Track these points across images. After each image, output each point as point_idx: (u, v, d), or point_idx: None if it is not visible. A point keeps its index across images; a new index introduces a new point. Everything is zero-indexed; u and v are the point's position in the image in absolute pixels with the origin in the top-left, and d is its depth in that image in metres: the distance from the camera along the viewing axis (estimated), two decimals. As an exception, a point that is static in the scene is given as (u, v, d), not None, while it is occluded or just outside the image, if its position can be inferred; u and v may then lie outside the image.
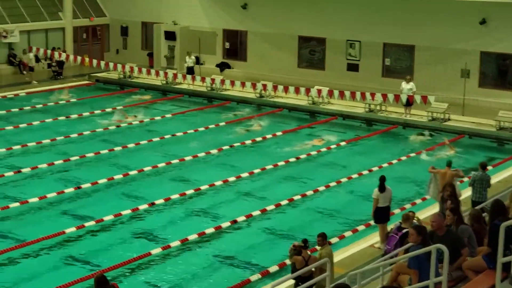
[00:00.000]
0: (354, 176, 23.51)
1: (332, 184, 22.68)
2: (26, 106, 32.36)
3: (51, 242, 17.85)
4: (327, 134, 28.86)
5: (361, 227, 19.07)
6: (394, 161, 25.25)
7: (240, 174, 23.48)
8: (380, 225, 17.49)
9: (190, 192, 21.70)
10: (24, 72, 38.45)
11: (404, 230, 14.85)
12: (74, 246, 17.92)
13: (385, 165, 24.62)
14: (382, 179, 17.74)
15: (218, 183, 22.54)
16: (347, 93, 30.95)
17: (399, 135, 29.38)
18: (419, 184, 22.89)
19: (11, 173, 22.95)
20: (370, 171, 23.85)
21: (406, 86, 30.10)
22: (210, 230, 18.71)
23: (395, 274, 11.26)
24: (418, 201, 21.10)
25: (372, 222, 18.35)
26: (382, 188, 17.54)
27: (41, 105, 32.59)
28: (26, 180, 22.78)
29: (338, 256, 16.48)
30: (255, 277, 16.07)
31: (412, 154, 26.17)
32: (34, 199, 20.57)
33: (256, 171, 23.83)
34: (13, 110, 31.50)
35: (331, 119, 31.31)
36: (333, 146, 27.12)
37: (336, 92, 31.35)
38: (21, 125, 28.99)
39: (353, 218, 20.01)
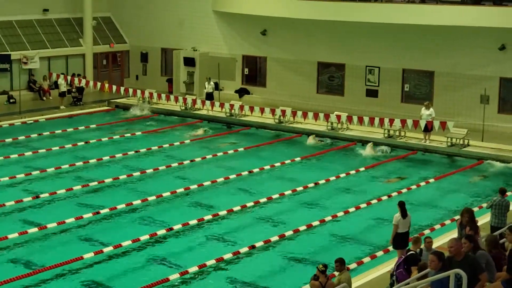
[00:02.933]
0: (373, 201, 23.39)
1: (351, 209, 22.56)
2: (46, 131, 32.57)
3: (69, 268, 17.83)
4: (347, 160, 28.81)
5: (379, 253, 18.92)
6: (413, 187, 25.10)
7: (258, 199, 23.43)
8: (399, 250, 17.35)
9: (208, 217, 21.66)
10: (44, 98, 38.80)
11: (410, 252, 14.77)
12: (92, 271, 17.88)
13: (404, 190, 24.48)
14: (402, 205, 17.64)
15: (236, 208, 22.50)
16: (366, 119, 30.90)
17: (418, 160, 29.23)
18: (438, 209, 22.76)
19: (29, 198, 23.04)
20: (389, 196, 23.73)
21: (426, 112, 30.01)
22: (228, 256, 18.64)
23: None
24: (437, 226, 20.94)
25: (391, 248, 18.23)
26: (403, 214, 17.45)
27: (60, 131, 32.78)
28: (45, 206, 22.84)
29: (357, 282, 16.34)
30: (272, 303, 15.97)
31: (431, 180, 26.01)
32: (53, 224, 20.59)
33: (275, 196, 23.77)
34: (32, 135, 31.72)
35: (350, 145, 31.23)
36: (352, 172, 27.00)
37: (355, 118, 31.31)
38: (40, 151, 29.16)
39: (372, 244, 19.87)
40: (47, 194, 23.45)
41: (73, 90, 38.03)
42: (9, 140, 30.80)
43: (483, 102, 31.37)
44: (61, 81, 37.60)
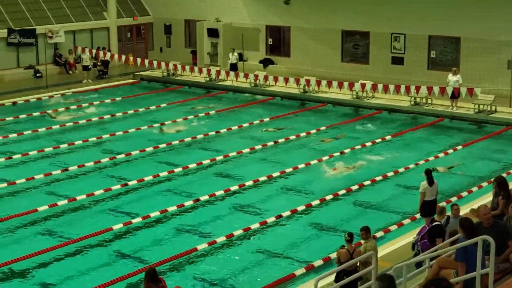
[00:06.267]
0: (401, 170, 23.32)
1: (378, 178, 22.52)
2: (72, 105, 32.80)
3: (99, 239, 18.05)
4: (372, 129, 28.72)
5: (406, 221, 18.90)
6: (441, 154, 24.99)
7: (284, 169, 23.46)
8: (426, 218, 17.29)
9: (234, 188, 21.76)
10: (70, 72, 39.01)
11: (434, 223, 14.71)
12: (121, 242, 18.09)
13: (431, 158, 24.38)
14: (429, 172, 17.61)
15: (262, 178, 22.56)
16: (392, 87, 30.73)
17: (445, 127, 29.06)
18: (466, 177, 22.65)
19: (58, 171, 23.28)
20: (416, 164, 23.64)
21: (453, 78, 29.78)
22: (255, 225, 18.74)
23: (437, 269, 11.12)
24: (465, 194, 20.86)
25: (418, 216, 18.22)
26: (430, 182, 17.40)
27: (86, 104, 33.00)
28: (73, 178, 23.07)
29: (384, 250, 16.36)
30: (299, 271, 16.04)
31: (459, 147, 25.87)
32: (82, 196, 20.82)
33: (300, 166, 23.78)
34: (59, 109, 31.96)
35: (375, 113, 31.10)
36: (378, 140, 26.91)
37: (380, 86, 31.15)
38: (67, 124, 29.41)
39: (398, 212, 19.86)
40: (75, 167, 23.68)
41: (98, 63, 38.20)
42: (36, 114, 31.06)
43: (510, 68, 30.99)
44: (84, 55, 37.77)
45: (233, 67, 36.96)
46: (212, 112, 31.63)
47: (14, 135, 27.76)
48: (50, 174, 22.95)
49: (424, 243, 14.53)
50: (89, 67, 37.60)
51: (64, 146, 26.34)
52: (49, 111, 30.94)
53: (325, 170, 23.42)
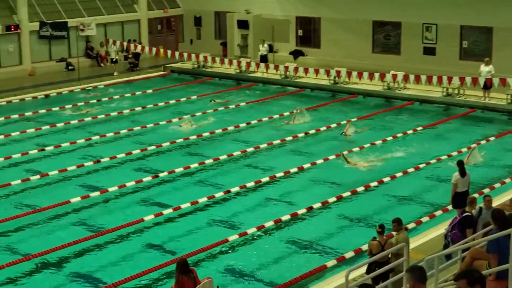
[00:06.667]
0: (432, 161, 23.15)
1: (410, 169, 22.39)
2: (104, 97, 33.04)
3: (130, 230, 18.18)
4: (404, 120, 28.55)
5: (438, 212, 18.78)
6: (473, 145, 24.74)
7: (315, 161, 23.41)
8: (458, 210, 17.16)
9: (265, 179, 21.76)
10: (102, 64, 39.28)
11: (465, 214, 14.60)
12: (152, 233, 18.20)
13: (464, 149, 24.17)
14: (461, 164, 17.48)
15: (293, 170, 22.55)
16: (423, 78, 30.52)
17: (478, 118, 28.80)
18: (498, 168, 22.44)
19: (90, 163, 23.47)
20: (449, 156, 23.45)
21: (485, 69, 29.48)
22: (286, 217, 18.73)
23: (470, 260, 11.04)
24: (497, 185, 20.66)
25: (450, 207, 18.09)
26: (462, 173, 17.28)
27: (117, 96, 33.21)
28: (105, 170, 23.25)
29: (415, 241, 16.27)
30: (331, 263, 16.02)
31: (492, 138, 25.62)
32: (114, 188, 20.98)
33: (331, 157, 23.72)
34: (91, 101, 32.21)
35: (407, 104, 30.90)
36: (409, 132, 26.75)
37: (411, 77, 30.94)
38: (99, 116, 29.62)
39: (430, 203, 19.73)
40: (107, 159, 23.86)
41: (130, 56, 38.42)
42: (68, 106, 31.33)
43: (544, 58, 30.64)
44: (110, 48, 37.99)
45: (264, 59, 36.95)
46: (242, 104, 31.65)
47: (47, 127, 28.04)
48: (82, 166, 23.15)
49: (454, 233, 14.43)
50: (116, 60, 37.81)
51: (96, 138, 26.55)
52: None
53: (356, 161, 23.32)
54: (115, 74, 37.12)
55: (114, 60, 38.03)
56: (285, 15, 39.50)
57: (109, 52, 38.13)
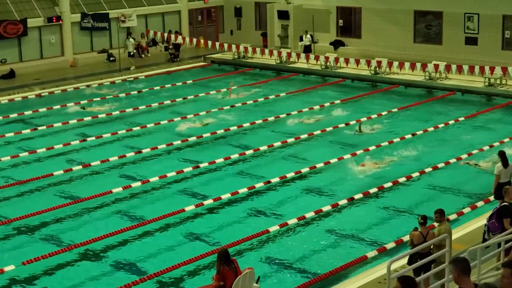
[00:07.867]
0: (475, 151, 22.90)
1: (452, 160, 22.17)
2: (145, 88, 33.25)
3: (171, 220, 18.30)
4: (446, 110, 28.27)
5: (480, 203, 18.58)
6: (516, 136, 24.46)
7: (355, 151, 23.31)
8: (500, 201, 16.97)
9: (305, 170, 21.73)
10: (142, 55, 39.53)
11: (503, 204, 14.40)
12: (193, 224, 18.30)
13: (506, 140, 23.85)
14: (503, 154, 17.27)
15: (333, 160, 22.47)
16: (465, 68, 30.18)
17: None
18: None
19: (132, 154, 23.66)
20: (491, 146, 23.18)
21: (528, 59, 29.05)
22: (326, 208, 18.70)
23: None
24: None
25: (492, 198, 17.88)
26: (505, 163, 17.07)
27: (158, 87, 33.40)
28: (146, 160, 23.41)
29: (458, 232, 16.13)
30: (372, 253, 15.96)
31: (535, 129, 25.28)
32: (155, 178, 21.13)
33: (371, 148, 23.59)
34: (132, 92, 32.45)
35: (449, 95, 30.58)
36: (451, 122, 26.48)
37: (454, 67, 30.62)
38: (140, 107, 29.83)
39: (472, 194, 19.53)
40: (148, 149, 24.02)
41: (170, 47, 38.59)
42: (110, 97, 31.60)
43: None
44: (128, 42, 37.87)
45: (307, 49, 36.89)
46: (282, 94, 31.61)
47: (89, 118, 28.31)
48: (124, 157, 23.34)
49: (492, 223, 14.27)
50: (133, 54, 37.80)
51: (136, 128, 26.74)
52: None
53: (397, 152, 23.16)
54: (131, 68, 36.66)
55: (131, 53, 37.90)
56: (326, 5, 39.33)
57: (127, 46, 37.90)
